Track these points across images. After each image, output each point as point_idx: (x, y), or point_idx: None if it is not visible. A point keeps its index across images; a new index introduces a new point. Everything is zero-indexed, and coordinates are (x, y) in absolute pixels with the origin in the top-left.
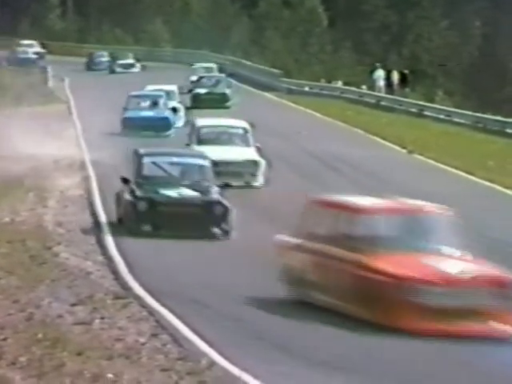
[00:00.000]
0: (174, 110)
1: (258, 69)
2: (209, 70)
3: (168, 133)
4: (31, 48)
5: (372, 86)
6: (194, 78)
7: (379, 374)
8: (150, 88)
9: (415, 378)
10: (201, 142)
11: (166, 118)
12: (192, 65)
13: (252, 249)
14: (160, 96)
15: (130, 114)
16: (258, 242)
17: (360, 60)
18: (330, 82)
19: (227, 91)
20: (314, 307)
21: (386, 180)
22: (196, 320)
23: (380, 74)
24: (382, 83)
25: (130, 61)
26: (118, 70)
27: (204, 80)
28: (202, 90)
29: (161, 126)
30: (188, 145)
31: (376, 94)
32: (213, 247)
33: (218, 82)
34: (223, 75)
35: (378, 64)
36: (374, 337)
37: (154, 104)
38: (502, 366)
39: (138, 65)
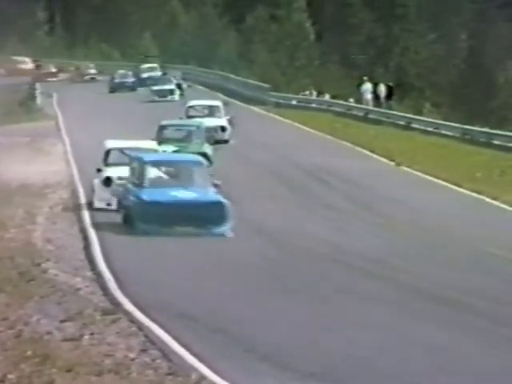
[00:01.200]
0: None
1: (246, 83)
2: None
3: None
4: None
5: (360, 99)
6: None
7: None
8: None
9: None
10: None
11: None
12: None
13: (240, 259)
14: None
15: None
16: (248, 251)
17: (347, 73)
18: (319, 92)
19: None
20: (302, 318)
21: (373, 192)
22: (185, 334)
23: (368, 87)
24: (369, 96)
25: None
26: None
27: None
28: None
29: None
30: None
31: (364, 106)
32: (201, 257)
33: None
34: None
35: (365, 77)
36: (363, 348)
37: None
38: None
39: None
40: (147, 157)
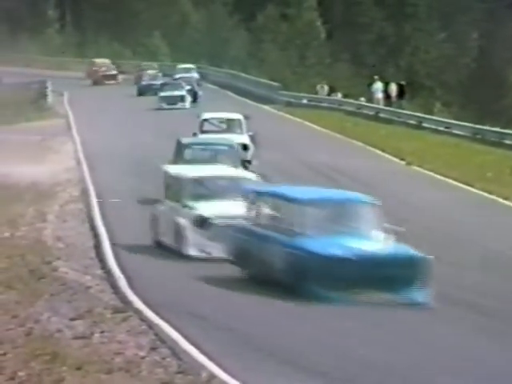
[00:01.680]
0: (245, 147)
1: (257, 82)
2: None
3: None
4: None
5: (371, 99)
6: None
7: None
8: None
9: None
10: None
11: None
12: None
13: None
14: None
15: None
16: None
17: (358, 72)
18: (331, 89)
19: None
20: (313, 317)
21: (384, 191)
22: (195, 333)
23: (378, 86)
24: (380, 95)
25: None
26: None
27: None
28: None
29: None
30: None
31: (375, 105)
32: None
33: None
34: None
35: (376, 76)
36: (372, 347)
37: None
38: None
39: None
40: (301, 195)
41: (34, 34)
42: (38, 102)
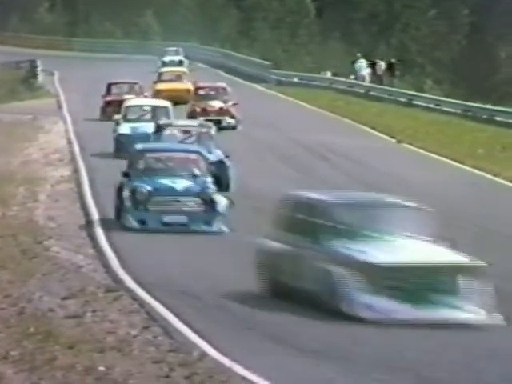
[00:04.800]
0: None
1: (248, 60)
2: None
3: None
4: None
5: (356, 77)
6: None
7: (368, 362)
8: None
9: (406, 365)
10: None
11: None
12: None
13: (239, 240)
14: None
15: None
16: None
17: (349, 50)
18: (334, 74)
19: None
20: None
21: (375, 169)
22: (186, 311)
23: (362, 64)
24: (364, 72)
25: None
26: None
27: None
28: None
29: None
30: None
31: (366, 84)
32: (201, 238)
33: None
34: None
35: (359, 54)
36: (362, 325)
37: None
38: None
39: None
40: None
41: (24, 14)
42: (28, 82)
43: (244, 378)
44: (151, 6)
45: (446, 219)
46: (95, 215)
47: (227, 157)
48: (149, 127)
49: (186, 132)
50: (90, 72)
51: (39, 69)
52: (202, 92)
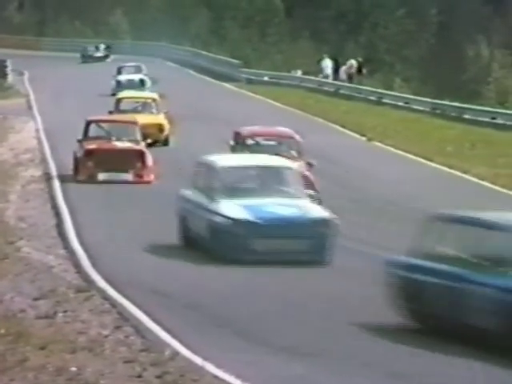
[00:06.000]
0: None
1: (218, 59)
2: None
3: None
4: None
5: (327, 76)
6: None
7: (342, 358)
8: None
9: (379, 360)
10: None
11: None
12: None
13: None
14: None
15: None
16: None
17: (318, 49)
18: (304, 73)
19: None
20: (267, 292)
21: (345, 167)
22: (158, 310)
23: (327, 63)
24: (329, 71)
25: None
26: None
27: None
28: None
29: None
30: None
31: (336, 82)
32: (173, 231)
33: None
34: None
35: (325, 54)
36: (336, 321)
37: None
38: None
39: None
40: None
41: None
42: None
43: (216, 377)
44: (120, 5)
45: (414, 214)
46: (66, 215)
47: None
48: None
49: None
50: (60, 72)
51: (9, 68)
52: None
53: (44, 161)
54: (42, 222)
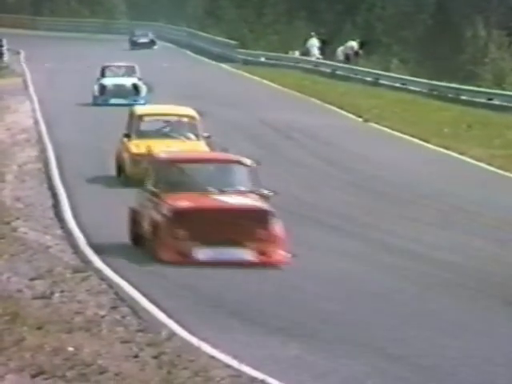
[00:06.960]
0: (136, 87)
1: (214, 40)
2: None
3: None
4: None
5: (307, 54)
6: None
7: (338, 340)
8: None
9: (375, 342)
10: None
11: None
12: None
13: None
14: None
15: None
16: None
17: (315, 29)
18: (302, 54)
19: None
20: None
21: (342, 149)
22: (155, 291)
23: (313, 42)
24: (316, 51)
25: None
26: None
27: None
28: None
29: None
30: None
31: (333, 63)
32: None
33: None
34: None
35: (312, 33)
36: (331, 303)
37: None
38: None
39: None
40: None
41: None
42: None
43: (212, 357)
44: None
45: (411, 196)
46: (63, 195)
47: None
48: None
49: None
50: (56, 51)
51: (5, 48)
52: None
53: (40, 141)
54: (39, 202)
